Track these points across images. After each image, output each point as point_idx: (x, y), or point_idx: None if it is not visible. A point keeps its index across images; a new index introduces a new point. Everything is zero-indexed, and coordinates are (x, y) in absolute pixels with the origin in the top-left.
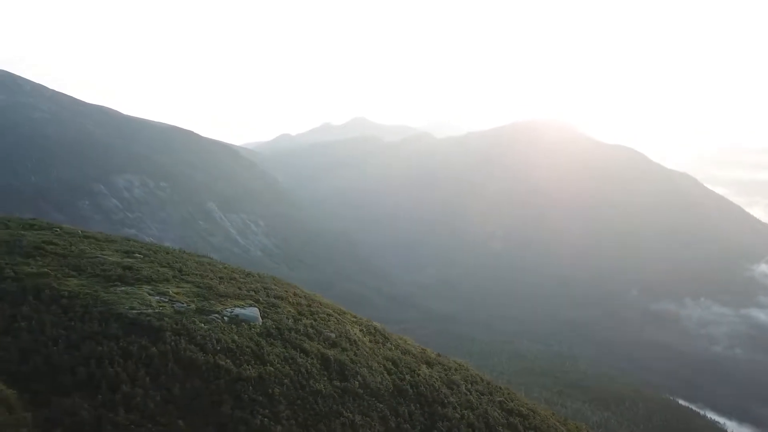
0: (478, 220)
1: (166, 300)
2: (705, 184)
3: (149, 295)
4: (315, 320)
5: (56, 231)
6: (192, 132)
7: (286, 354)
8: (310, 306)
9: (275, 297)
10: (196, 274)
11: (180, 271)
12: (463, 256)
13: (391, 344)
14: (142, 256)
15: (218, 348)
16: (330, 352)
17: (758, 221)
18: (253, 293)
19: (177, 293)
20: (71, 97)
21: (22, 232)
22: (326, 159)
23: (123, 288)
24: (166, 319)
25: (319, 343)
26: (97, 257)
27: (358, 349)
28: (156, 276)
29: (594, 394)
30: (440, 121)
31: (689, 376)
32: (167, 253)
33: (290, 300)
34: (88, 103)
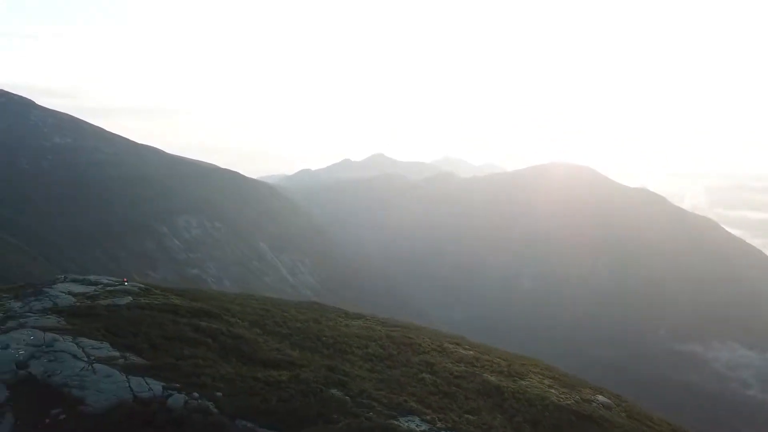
0: (507, 258)
1: (559, 392)
2: (723, 226)
3: (548, 387)
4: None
5: (366, 320)
6: (237, 173)
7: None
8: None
9: (572, 380)
10: (531, 365)
11: (520, 363)
12: (493, 294)
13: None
14: (469, 346)
15: (626, 429)
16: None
17: None
18: (573, 379)
19: (552, 385)
20: (126, 138)
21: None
22: (350, 196)
23: (520, 382)
24: (588, 408)
25: (617, 415)
26: (457, 351)
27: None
28: (522, 370)
29: None
30: (453, 158)
31: (726, 419)
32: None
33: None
34: (141, 144)
